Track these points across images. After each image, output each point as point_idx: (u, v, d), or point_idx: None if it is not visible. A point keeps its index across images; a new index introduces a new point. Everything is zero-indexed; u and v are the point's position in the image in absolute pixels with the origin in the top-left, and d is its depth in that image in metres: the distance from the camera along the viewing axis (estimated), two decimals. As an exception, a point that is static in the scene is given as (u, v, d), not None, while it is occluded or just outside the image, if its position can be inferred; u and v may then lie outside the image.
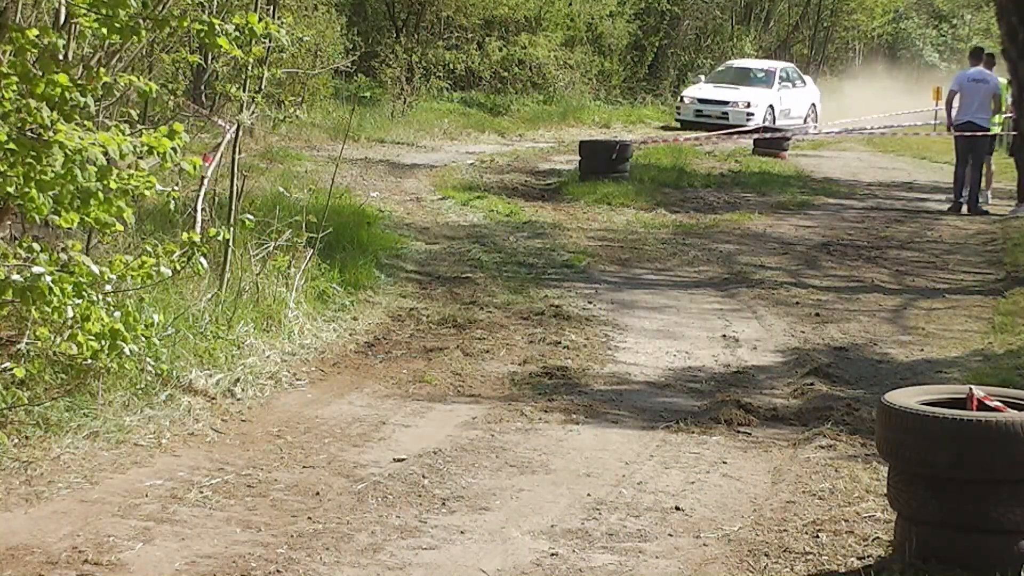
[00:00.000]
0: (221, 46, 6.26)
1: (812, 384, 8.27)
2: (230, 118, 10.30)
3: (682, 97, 28.72)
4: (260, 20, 6.83)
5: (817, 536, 5.77)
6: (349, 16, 26.74)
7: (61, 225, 5.97)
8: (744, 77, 28.71)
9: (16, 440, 6.31)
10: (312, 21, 22.23)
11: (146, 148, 5.88)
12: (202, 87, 17.84)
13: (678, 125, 27.77)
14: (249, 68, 8.86)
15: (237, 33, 6.41)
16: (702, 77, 29.65)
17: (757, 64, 30.45)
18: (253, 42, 6.99)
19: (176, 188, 6.73)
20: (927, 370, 8.77)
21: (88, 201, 5.74)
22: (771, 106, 27.45)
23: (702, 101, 27.77)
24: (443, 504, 6.04)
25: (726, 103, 27.50)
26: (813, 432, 7.24)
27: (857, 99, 33.42)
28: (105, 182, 5.74)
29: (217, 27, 6.20)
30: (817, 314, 10.47)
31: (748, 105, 27.22)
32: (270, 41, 7.68)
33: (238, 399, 7.51)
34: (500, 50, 29.19)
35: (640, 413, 7.70)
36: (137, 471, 6.28)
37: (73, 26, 6.50)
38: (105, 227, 5.96)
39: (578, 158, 18.56)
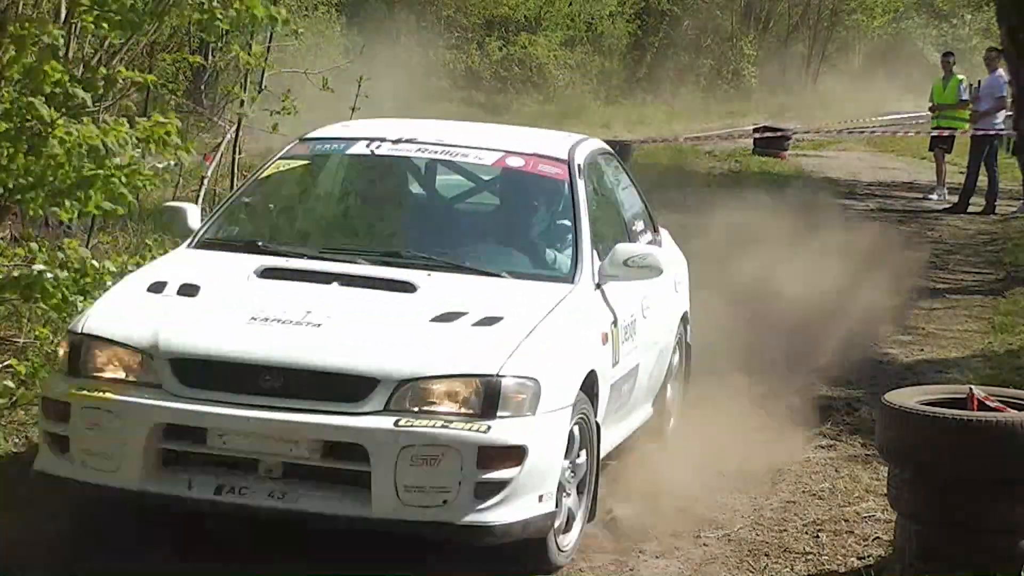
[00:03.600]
0: (221, 27, 6.18)
1: (812, 384, 8.26)
2: (230, 118, 10.32)
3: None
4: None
5: (817, 536, 5.77)
6: (349, 16, 26.77)
7: (62, 218, 5.93)
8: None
9: (17, 440, 6.30)
10: (312, 21, 22.26)
11: (143, 138, 5.86)
12: (202, 87, 17.85)
13: None
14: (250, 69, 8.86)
15: (235, 14, 6.28)
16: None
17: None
18: (253, 38, 6.99)
19: (172, 166, 6.64)
20: (927, 370, 8.77)
21: (88, 188, 5.69)
22: None
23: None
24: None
25: None
26: (813, 432, 7.24)
27: (857, 99, 33.47)
28: (105, 165, 5.70)
29: (219, 16, 6.16)
30: (817, 314, 10.44)
31: None
32: (271, 40, 7.67)
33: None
34: (500, 50, 29.19)
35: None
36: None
37: (74, 24, 6.50)
38: (107, 215, 5.92)
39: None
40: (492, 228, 6.30)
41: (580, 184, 6.08)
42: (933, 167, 18.74)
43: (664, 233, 7.47)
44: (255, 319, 5.09)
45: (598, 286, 5.79)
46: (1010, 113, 16.32)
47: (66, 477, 4.99)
